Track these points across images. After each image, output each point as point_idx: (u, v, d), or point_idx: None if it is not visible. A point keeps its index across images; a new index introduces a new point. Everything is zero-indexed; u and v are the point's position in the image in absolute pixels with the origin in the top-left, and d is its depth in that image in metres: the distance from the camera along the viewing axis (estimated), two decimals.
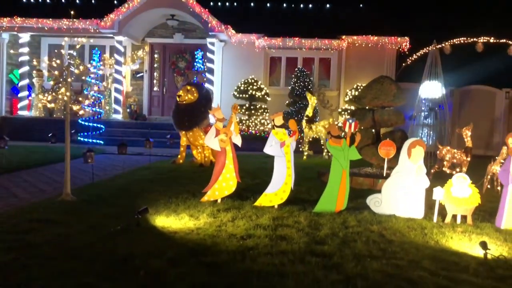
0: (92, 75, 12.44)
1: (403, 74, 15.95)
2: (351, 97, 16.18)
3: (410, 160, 6.15)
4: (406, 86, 13.97)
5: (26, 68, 17.09)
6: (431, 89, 11.47)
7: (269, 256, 4.31)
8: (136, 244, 4.47)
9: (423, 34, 16.53)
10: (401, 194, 6.14)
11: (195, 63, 17.92)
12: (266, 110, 15.97)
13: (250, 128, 15.48)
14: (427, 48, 12.46)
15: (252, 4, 19.74)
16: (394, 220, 5.88)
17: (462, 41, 13.12)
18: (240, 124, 15.43)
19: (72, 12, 13.23)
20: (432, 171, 9.06)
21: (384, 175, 8.01)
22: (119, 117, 16.76)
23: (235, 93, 15.98)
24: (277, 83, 17.84)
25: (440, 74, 11.50)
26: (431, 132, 12.32)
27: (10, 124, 15.92)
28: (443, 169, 9.00)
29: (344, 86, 17.25)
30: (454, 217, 5.98)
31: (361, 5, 19.39)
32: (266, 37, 16.98)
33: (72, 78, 6.64)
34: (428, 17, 24.64)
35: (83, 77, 10.05)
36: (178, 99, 10.09)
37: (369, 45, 16.89)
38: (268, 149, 6.41)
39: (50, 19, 16.51)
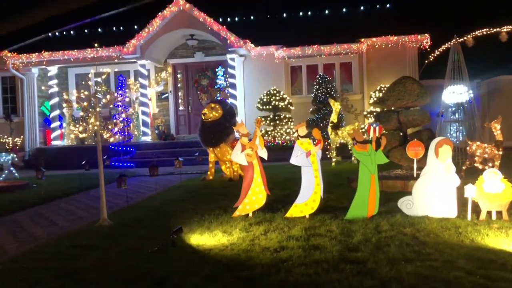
0: (119, 103, 12.83)
1: (427, 71, 15.76)
2: (375, 99, 16.08)
3: (438, 160, 6.09)
4: (430, 83, 13.85)
5: (56, 100, 17.82)
6: (456, 93, 11.20)
7: (303, 266, 4.35)
8: (173, 264, 4.60)
9: (443, 28, 16.32)
10: (432, 194, 6.08)
11: (217, 80, 18.21)
12: (290, 120, 16.05)
13: (276, 138, 15.57)
14: (449, 43, 12.29)
15: (268, 15, 19.96)
16: (427, 221, 5.81)
17: (484, 32, 12.88)
18: (266, 135, 15.55)
19: (96, 45, 13.73)
20: (463, 167, 8.91)
21: (415, 176, 7.94)
22: (148, 139, 17.17)
23: (259, 105, 16.14)
24: (300, 92, 17.92)
25: (464, 69, 11.29)
26: (460, 128, 12.08)
27: (45, 154, 16.52)
28: (475, 165, 8.82)
29: (367, 88, 17.13)
30: (489, 213, 5.87)
31: (377, 6, 19.35)
32: (284, 48, 17.10)
33: (100, 105, 6.89)
34: (446, 10, 24.27)
35: (111, 105, 10.42)
36: (203, 117, 10.31)
37: (389, 45, 16.77)
38: (294, 160, 6.49)
39: (75, 50, 17.18)
